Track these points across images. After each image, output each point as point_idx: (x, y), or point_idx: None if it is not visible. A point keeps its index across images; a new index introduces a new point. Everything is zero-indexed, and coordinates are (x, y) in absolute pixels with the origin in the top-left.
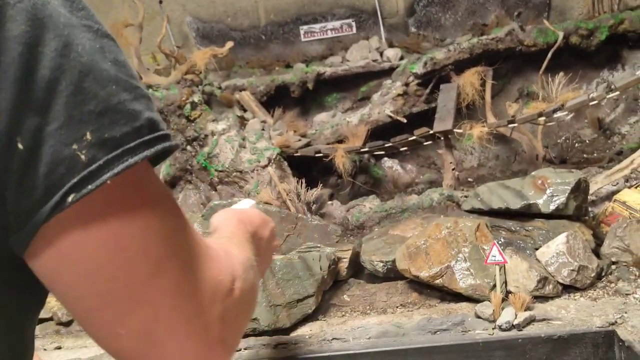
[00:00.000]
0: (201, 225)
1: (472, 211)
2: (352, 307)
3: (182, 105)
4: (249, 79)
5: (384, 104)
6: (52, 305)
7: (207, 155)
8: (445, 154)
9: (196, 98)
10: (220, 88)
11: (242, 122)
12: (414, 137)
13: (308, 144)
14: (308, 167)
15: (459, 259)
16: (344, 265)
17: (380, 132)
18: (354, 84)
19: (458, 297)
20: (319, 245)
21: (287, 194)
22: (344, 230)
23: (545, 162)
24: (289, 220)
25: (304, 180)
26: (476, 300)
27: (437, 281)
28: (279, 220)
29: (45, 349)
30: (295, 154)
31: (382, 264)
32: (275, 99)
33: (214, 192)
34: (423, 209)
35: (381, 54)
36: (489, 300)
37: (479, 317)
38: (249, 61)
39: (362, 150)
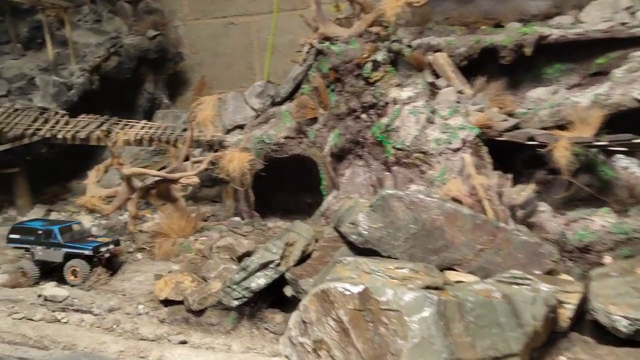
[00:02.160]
0: (368, 217)
1: None
2: None
3: (361, 64)
4: (446, 38)
5: (631, 83)
6: (185, 286)
7: (385, 128)
8: None
9: (380, 56)
10: (410, 47)
11: (433, 90)
12: None
13: (516, 127)
14: (509, 155)
15: None
16: (565, 312)
17: (620, 120)
18: (586, 54)
19: None
20: (529, 277)
21: (486, 191)
22: (560, 251)
23: None
24: (486, 229)
25: (511, 176)
26: None
27: None
28: (472, 228)
29: (169, 340)
30: (499, 138)
31: (627, 321)
32: (478, 65)
33: (387, 173)
34: None
35: (632, 14)
36: None
37: None
38: (448, 17)
39: (597, 143)
